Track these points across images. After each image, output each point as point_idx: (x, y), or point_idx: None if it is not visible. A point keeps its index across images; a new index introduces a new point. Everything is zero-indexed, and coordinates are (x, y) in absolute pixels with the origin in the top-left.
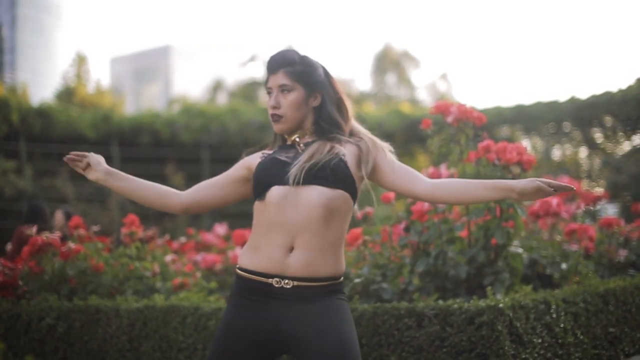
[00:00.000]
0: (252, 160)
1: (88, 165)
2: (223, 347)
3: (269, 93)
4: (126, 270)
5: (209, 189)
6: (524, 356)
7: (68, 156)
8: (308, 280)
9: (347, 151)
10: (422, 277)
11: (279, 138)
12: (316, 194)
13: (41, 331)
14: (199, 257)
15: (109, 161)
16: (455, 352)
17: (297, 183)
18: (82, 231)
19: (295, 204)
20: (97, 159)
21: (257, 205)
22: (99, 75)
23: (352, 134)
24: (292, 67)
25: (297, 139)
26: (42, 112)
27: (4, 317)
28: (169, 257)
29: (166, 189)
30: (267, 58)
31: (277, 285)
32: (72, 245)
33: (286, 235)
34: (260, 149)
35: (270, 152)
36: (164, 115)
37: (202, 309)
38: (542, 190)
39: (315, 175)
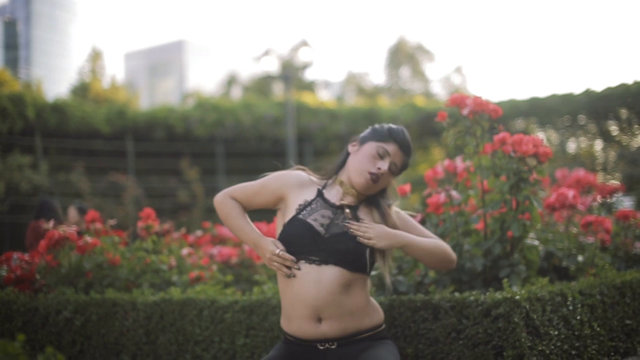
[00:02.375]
0: (286, 190)
1: None
2: None
3: (381, 154)
4: (142, 264)
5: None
6: (540, 348)
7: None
8: (350, 337)
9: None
10: (438, 270)
11: (328, 174)
12: (337, 275)
13: (58, 324)
14: (214, 250)
15: (123, 156)
16: (472, 344)
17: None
18: (98, 225)
19: (318, 281)
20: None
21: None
22: (114, 71)
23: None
24: (408, 159)
25: (347, 209)
26: (57, 108)
27: (22, 311)
28: (185, 251)
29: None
30: (399, 130)
31: (321, 347)
32: (88, 239)
33: (311, 309)
34: (301, 168)
35: (310, 195)
36: (179, 110)
37: (219, 302)
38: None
39: (342, 258)
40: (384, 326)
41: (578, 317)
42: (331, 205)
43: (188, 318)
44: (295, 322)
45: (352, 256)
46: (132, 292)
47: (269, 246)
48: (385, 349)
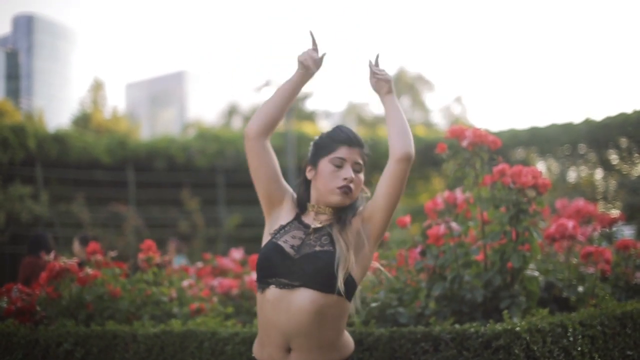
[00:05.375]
0: (285, 204)
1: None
2: None
3: (338, 165)
4: (143, 296)
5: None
6: None
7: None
8: None
9: (350, 238)
10: (438, 301)
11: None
12: (308, 301)
13: (59, 357)
14: (215, 282)
15: (124, 186)
16: None
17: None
18: (99, 257)
19: (288, 308)
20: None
21: (258, 295)
22: (115, 101)
23: None
24: (364, 151)
25: (316, 225)
26: (58, 138)
27: (22, 343)
28: (185, 282)
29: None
30: (337, 131)
31: None
32: (89, 270)
33: (282, 337)
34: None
35: (286, 219)
36: (179, 140)
37: (219, 333)
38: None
39: (311, 280)
40: (353, 356)
41: (579, 349)
42: (305, 226)
43: (189, 350)
44: (267, 349)
45: (322, 277)
46: (132, 324)
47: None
48: None
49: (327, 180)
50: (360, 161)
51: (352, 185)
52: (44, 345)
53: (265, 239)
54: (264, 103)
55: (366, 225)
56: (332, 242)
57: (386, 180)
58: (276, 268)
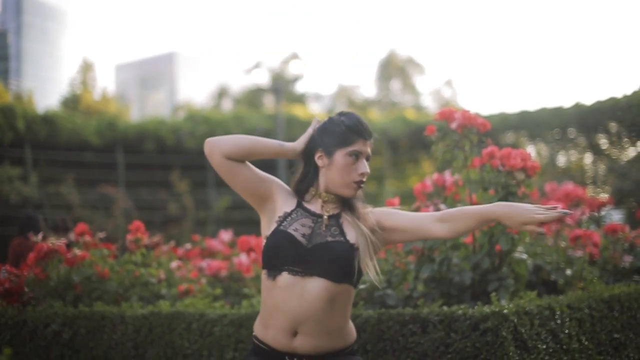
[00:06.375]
0: (277, 193)
1: None
2: None
3: (355, 155)
4: (131, 277)
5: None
6: None
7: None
8: (319, 356)
9: (364, 228)
10: (426, 283)
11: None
12: (322, 289)
13: (47, 338)
14: (204, 263)
15: (113, 168)
16: (460, 358)
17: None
18: (87, 238)
19: (301, 294)
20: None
21: (265, 280)
22: (105, 82)
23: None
24: (372, 140)
25: (326, 215)
26: (48, 119)
27: (10, 324)
28: (174, 264)
29: None
30: (354, 121)
31: None
32: (77, 251)
33: (290, 322)
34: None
35: (289, 206)
36: (169, 122)
37: (208, 315)
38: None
39: (326, 269)
40: (354, 345)
41: (566, 331)
42: (312, 214)
43: (177, 331)
44: (271, 331)
45: (337, 266)
46: (120, 305)
47: (297, 145)
48: None
49: (344, 173)
50: (371, 151)
51: (364, 179)
52: (32, 326)
53: (269, 227)
54: (241, 137)
55: (381, 233)
56: (342, 233)
57: (420, 232)
58: (288, 257)
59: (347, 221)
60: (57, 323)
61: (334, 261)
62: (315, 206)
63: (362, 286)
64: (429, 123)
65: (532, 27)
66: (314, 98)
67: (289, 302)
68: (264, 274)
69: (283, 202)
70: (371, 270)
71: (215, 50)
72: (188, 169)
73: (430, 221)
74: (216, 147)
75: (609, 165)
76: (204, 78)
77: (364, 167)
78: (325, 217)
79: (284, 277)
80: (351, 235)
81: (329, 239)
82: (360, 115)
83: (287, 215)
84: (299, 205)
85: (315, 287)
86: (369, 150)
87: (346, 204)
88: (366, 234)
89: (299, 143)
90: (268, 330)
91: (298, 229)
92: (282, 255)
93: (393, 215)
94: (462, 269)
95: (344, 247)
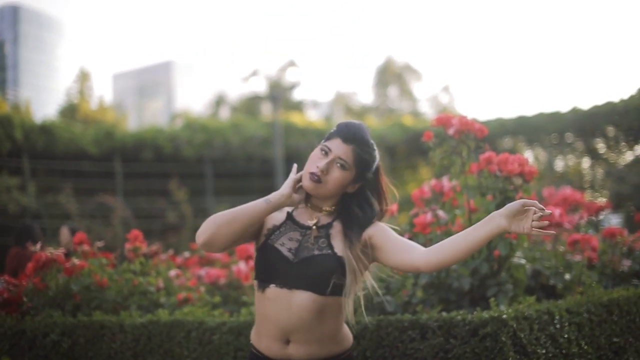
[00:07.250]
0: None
1: None
2: None
3: (324, 151)
4: (130, 286)
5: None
6: None
7: None
8: None
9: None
10: (425, 290)
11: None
12: (309, 302)
13: (46, 347)
14: (202, 271)
15: (111, 177)
16: None
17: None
18: (86, 247)
19: (289, 307)
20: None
21: (256, 291)
22: (102, 92)
23: None
24: (361, 150)
25: (315, 226)
26: (45, 129)
27: (9, 334)
28: (172, 272)
29: None
30: (343, 124)
31: None
32: (76, 261)
33: (280, 331)
34: None
35: (279, 219)
36: (167, 130)
37: (206, 323)
38: (526, 204)
39: (311, 283)
40: (351, 351)
41: (565, 336)
42: (300, 227)
43: (176, 340)
44: (264, 340)
45: (322, 281)
46: (119, 314)
47: (283, 189)
48: None
49: (308, 163)
50: (348, 159)
51: (323, 178)
52: (31, 336)
53: (258, 239)
54: (228, 224)
55: (369, 250)
56: (330, 245)
57: (405, 263)
58: (275, 272)
59: (337, 231)
60: (56, 332)
61: (319, 276)
62: (307, 215)
63: (362, 292)
64: (427, 129)
65: (529, 33)
66: (312, 105)
67: (278, 313)
68: (255, 284)
69: (274, 215)
70: (358, 283)
71: (213, 58)
72: (186, 177)
73: (414, 249)
74: (212, 247)
75: (606, 169)
76: (202, 86)
77: (322, 162)
78: (314, 228)
79: (272, 290)
80: (339, 248)
81: (316, 252)
82: (358, 126)
83: (275, 228)
84: (289, 217)
85: (302, 300)
86: (344, 154)
87: (341, 213)
88: (354, 261)
89: (285, 187)
90: (261, 338)
91: (285, 244)
92: (269, 270)
93: (386, 232)
94: (461, 274)
95: (329, 261)
